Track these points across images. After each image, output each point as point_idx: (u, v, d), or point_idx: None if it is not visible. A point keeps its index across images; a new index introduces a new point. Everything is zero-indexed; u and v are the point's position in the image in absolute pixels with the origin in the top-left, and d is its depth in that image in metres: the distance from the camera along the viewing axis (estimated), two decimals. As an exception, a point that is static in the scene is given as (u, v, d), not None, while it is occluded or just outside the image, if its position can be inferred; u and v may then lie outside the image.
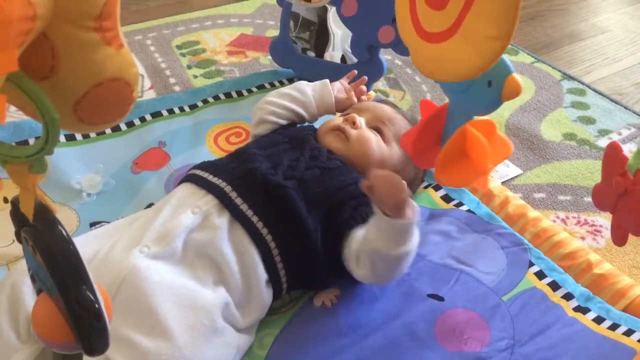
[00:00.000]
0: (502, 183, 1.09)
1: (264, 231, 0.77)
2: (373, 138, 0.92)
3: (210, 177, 0.81)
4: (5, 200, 0.94)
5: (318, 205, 0.80)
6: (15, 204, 0.47)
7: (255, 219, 0.77)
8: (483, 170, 0.64)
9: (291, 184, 0.80)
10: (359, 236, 0.77)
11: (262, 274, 0.76)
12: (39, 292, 0.50)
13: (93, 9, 0.41)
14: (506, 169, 1.13)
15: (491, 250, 0.90)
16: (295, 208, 0.78)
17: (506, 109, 1.28)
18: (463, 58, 0.61)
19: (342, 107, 1.03)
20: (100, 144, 1.07)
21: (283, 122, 0.98)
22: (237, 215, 0.77)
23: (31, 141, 1.03)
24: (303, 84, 1.02)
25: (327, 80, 1.03)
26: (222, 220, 0.76)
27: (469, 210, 0.97)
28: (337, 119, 0.97)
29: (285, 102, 0.98)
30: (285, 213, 0.78)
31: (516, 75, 0.61)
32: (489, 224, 0.95)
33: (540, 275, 0.87)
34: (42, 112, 0.40)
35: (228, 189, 0.79)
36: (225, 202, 0.77)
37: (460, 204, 0.99)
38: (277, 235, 0.77)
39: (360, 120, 0.93)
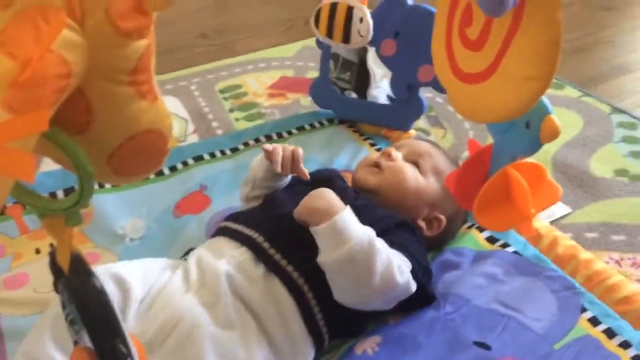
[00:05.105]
0: (551, 222, 1.05)
1: (300, 281, 0.76)
2: (409, 169, 0.91)
3: (242, 228, 0.81)
4: (37, 251, 0.96)
5: None
6: (52, 255, 0.48)
7: (290, 268, 0.76)
8: (526, 215, 0.62)
9: None
10: None
11: (302, 325, 0.75)
12: (75, 343, 0.51)
13: (128, 64, 0.42)
14: (554, 208, 1.09)
15: (540, 295, 0.86)
16: None
17: (552, 145, 1.24)
18: (502, 99, 0.59)
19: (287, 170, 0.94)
20: (143, 188, 1.09)
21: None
22: (271, 266, 0.76)
23: (78, 187, 1.06)
24: (248, 177, 0.97)
25: (258, 159, 0.96)
26: (257, 273, 0.76)
27: (515, 252, 0.94)
28: (374, 155, 0.97)
29: (252, 204, 0.95)
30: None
31: (554, 117, 0.59)
32: (537, 266, 0.91)
33: (594, 321, 0.82)
34: (77, 166, 0.40)
35: (260, 239, 0.79)
36: (259, 254, 0.77)
37: (506, 245, 0.95)
38: (313, 282, 0.76)
39: (397, 154, 0.92)
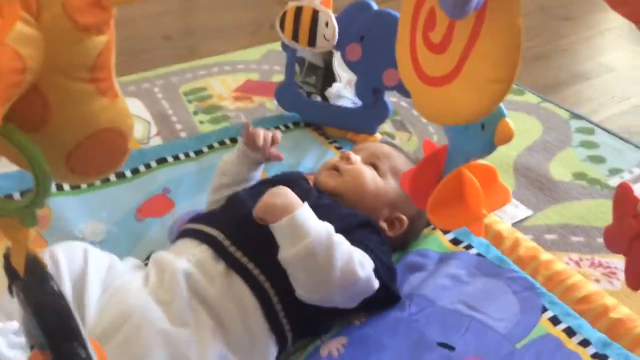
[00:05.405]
0: (513, 225, 1.07)
1: (261, 278, 0.76)
2: (367, 172, 0.92)
3: (203, 227, 0.81)
4: None
5: None
6: (7, 257, 0.46)
7: (251, 265, 0.76)
8: (477, 215, 0.63)
9: None
10: None
11: (264, 323, 0.75)
12: (31, 348, 0.49)
13: (86, 60, 0.40)
14: (515, 210, 1.11)
15: (503, 295, 0.88)
16: None
17: (513, 149, 1.27)
18: (465, 101, 0.60)
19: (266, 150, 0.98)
20: (104, 191, 1.06)
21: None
22: (232, 263, 0.76)
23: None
24: (223, 166, 0.99)
25: (239, 144, 0.99)
26: (218, 270, 0.76)
27: (478, 254, 0.95)
28: (333, 159, 0.98)
29: (224, 193, 0.94)
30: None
31: (509, 120, 0.60)
32: (499, 268, 0.92)
33: (554, 320, 0.84)
34: (33, 164, 0.39)
35: (221, 237, 0.79)
36: (220, 251, 0.77)
37: (469, 247, 0.97)
38: (274, 279, 0.76)
39: (356, 157, 0.93)
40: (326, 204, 0.85)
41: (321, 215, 0.79)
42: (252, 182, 0.97)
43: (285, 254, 0.74)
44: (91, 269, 0.74)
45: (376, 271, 0.79)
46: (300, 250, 0.73)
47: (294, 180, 0.90)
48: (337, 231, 0.78)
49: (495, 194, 0.65)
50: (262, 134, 0.95)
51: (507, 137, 0.61)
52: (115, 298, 0.73)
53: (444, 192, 0.66)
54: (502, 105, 0.61)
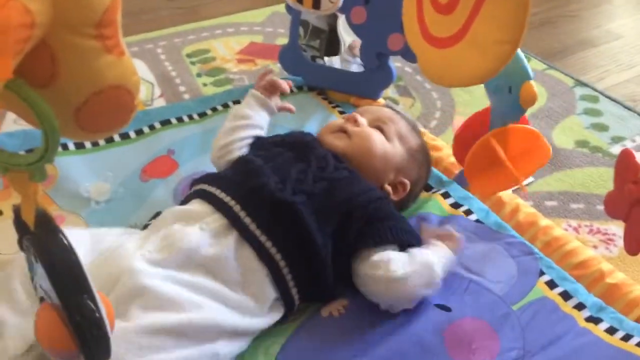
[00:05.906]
0: (513, 191, 1.07)
1: (273, 250, 0.76)
2: (376, 134, 0.92)
3: (219, 193, 0.80)
4: (0, 212, 0.94)
5: (328, 220, 0.79)
6: (17, 212, 0.47)
7: (263, 238, 0.76)
8: (514, 180, 0.64)
9: (300, 199, 0.78)
10: (370, 261, 0.78)
11: (271, 292, 0.76)
12: (41, 300, 0.50)
13: (93, 16, 0.41)
14: (517, 177, 1.12)
15: (501, 259, 0.89)
16: (305, 224, 0.77)
17: (517, 116, 1.27)
18: (471, 63, 0.60)
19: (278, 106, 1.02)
20: (109, 152, 1.07)
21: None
22: (245, 235, 0.76)
23: (41, 149, 1.04)
24: (240, 108, 0.99)
25: (252, 90, 1.01)
26: (229, 239, 0.76)
27: (477, 220, 0.96)
28: (339, 120, 0.98)
29: (241, 134, 0.94)
30: (295, 229, 0.77)
31: (533, 82, 0.60)
32: (498, 233, 0.93)
33: (551, 284, 0.85)
34: (42, 120, 0.40)
35: (237, 208, 0.77)
36: (234, 222, 0.77)
37: (469, 212, 0.97)
38: (286, 253, 0.76)
39: (363, 120, 0.93)
40: (344, 177, 0.84)
41: (342, 190, 0.80)
42: (262, 132, 0.97)
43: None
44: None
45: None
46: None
47: (307, 143, 0.90)
48: (364, 206, 0.80)
49: (536, 155, 0.65)
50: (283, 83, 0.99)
51: (531, 99, 0.61)
52: (107, 263, 0.72)
53: (476, 159, 0.67)
54: (528, 66, 0.61)
